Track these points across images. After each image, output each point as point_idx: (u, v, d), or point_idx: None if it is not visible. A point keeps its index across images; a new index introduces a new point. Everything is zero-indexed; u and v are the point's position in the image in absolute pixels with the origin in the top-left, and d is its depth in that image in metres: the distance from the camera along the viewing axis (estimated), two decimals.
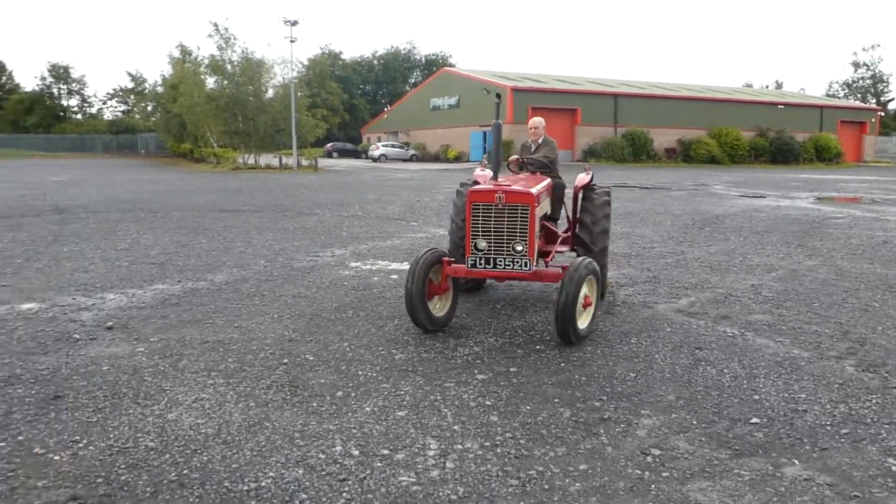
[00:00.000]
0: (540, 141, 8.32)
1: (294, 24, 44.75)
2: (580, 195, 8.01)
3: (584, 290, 6.25)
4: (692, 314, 7.49)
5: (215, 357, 5.89)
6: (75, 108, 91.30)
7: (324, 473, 3.87)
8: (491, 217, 6.38)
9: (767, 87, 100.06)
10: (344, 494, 3.65)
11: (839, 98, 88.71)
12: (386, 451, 4.15)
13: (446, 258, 6.70)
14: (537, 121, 8.37)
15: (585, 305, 6.36)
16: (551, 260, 7.78)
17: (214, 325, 6.91)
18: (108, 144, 74.26)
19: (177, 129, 55.32)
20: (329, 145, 65.49)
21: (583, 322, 6.32)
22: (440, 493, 3.67)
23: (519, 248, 6.31)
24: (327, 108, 69.08)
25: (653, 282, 9.19)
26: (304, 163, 43.30)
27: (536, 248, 6.64)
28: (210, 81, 47.92)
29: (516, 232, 6.34)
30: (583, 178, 8.09)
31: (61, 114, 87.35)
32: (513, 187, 6.45)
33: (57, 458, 4.03)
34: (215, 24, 45.94)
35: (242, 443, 4.24)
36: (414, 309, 6.42)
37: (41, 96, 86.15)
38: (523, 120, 49.61)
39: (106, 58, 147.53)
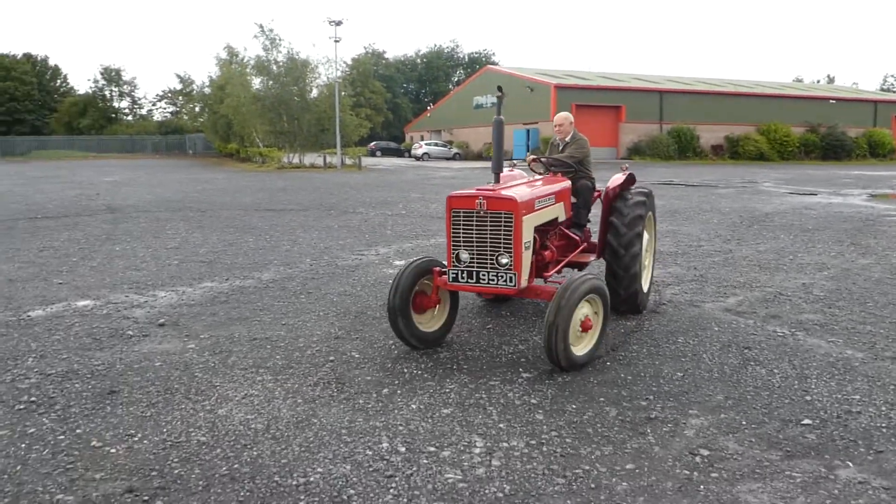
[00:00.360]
0: (568, 139, 7.65)
1: (338, 24, 45.16)
2: (612, 197, 7.20)
3: (584, 310, 5.55)
4: (741, 313, 7.37)
5: (263, 354, 6.00)
6: (126, 110, 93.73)
7: (371, 469, 3.91)
8: (473, 225, 5.67)
9: (819, 81, 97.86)
10: (391, 490, 3.68)
11: (894, 92, 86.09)
12: (432, 449, 4.18)
13: (437, 268, 6.11)
14: (562, 116, 7.72)
15: (585, 328, 5.60)
16: (552, 274, 6.69)
17: (262, 322, 7.03)
18: (158, 145, 75.91)
19: (223, 130, 56.28)
20: (372, 144, 65.98)
21: (581, 348, 5.58)
22: (486, 491, 3.68)
23: (504, 260, 5.57)
24: (371, 108, 69.69)
25: (700, 280, 9.06)
26: (348, 162, 43.67)
27: (528, 260, 5.80)
28: (256, 82, 48.77)
29: (500, 242, 5.59)
30: (617, 178, 7.30)
31: (113, 116, 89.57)
32: (496, 192, 5.72)
33: (113, 450, 4.15)
34: (261, 26, 46.77)
35: (291, 438, 4.31)
36: (395, 324, 5.91)
37: (94, 98, 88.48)
38: None
39: (156, 60, 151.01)
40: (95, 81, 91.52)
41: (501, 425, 4.52)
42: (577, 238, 7.19)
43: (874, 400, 4.96)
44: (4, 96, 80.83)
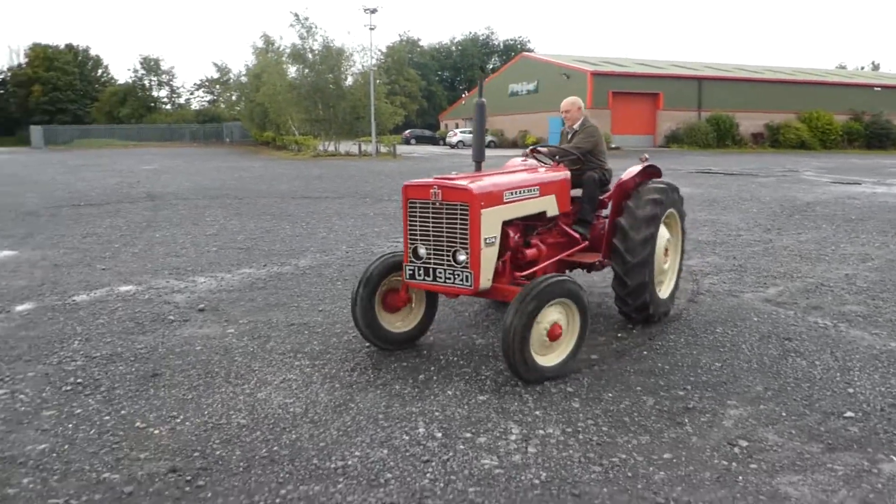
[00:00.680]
0: (577, 126, 6.81)
1: (373, 11, 45.17)
2: (623, 193, 6.36)
3: (553, 316, 5.03)
4: (781, 304, 7.26)
5: (301, 339, 6.07)
6: (165, 99, 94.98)
7: (408, 454, 3.95)
8: (429, 218, 5.21)
9: (863, 68, 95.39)
10: (428, 475, 3.72)
11: None
12: (468, 435, 4.20)
13: None
14: (569, 102, 6.86)
15: (553, 336, 5.08)
16: (542, 274, 5.73)
17: (299, 308, 7.11)
18: (195, 134, 76.82)
19: (260, 118, 56.74)
20: (407, 132, 66.04)
21: (548, 358, 5.08)
22: (523, 477, 3.70)
23: (461, 257, 5.06)
24: (405, 95, 69.61)
25: (739, 270, 8.93)
26: (383, 150, 43.77)
27: (489, 258, 5.16)
28: (292, 70, 49.07)
29: (456, 237, 5.10)
30: (631, 171, 6.43)
31: (152, 105, 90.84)
32: (452, 181, 5.18)
33: (156, 431, 4.25)
34: (296, 14, 46.98)
35: (329, 422, 4.37)
36: (357, 321, 5.59)
37: (133, 88, 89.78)
38: (604, 105, 49.08)
39: (194, 50, 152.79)
40: (135, 71, 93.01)
41: (537, 412, 4.52)
42: (576, 236, 6.35)
43: None
44: (48, 86, 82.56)
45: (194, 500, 3.47)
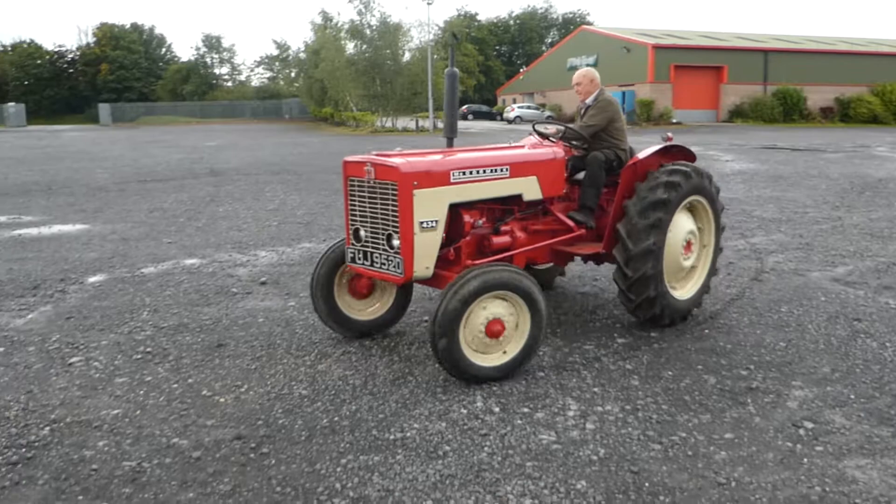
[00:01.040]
0: (590, 101, 6.04)
1: None
2: (634, 175, 5.58)
3: (492, 308, 4.49)
4: (850, 283, 7.03)
5: None
6: (226, 76, 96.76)
7: (466, 428, 3.98)
8: (366, 198, 4.82)
9: None
10: (485, 448, 3.74)
11: None
12: (526, 410, 4.21)
13: None
14: (580, 74, 6.10)
15: (493, 334, 4.52)
16: (495, 261, 4.94)
17: None
18: (256, 110, 77.99)
19: (318, 94, 57.22)
20: (464, 107, 65.69)
21: (485, 358, 4.56)
22: (580, 454, 3.69)
23: (395, 242, 4.63)
24: (463, 71, 69.23)
25: (805, 248, 8.67)
26: (440, 125, 43.70)
27: (426, 244, 4.65)
28: (350, 46, 49.28)
29: (388, 220, 4.67)
30: (647, 151, 5.68)
31: (214, 82, 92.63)
32: (383, 158, 4.71)
33: (222, 400, 4.38)
34: None
35: (388, 395, 4.43)
36: (315, 302, 5.32)
37: (196, 66, 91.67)
38: (665, 79, 47.95)
39: (254, 27, 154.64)
40: (197, 49, 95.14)
41: (596, 389, 4.50)
42: (570, 223, 5.63)
43: None
44: (115, 65, 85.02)
45: (259, 467, 3.57)
